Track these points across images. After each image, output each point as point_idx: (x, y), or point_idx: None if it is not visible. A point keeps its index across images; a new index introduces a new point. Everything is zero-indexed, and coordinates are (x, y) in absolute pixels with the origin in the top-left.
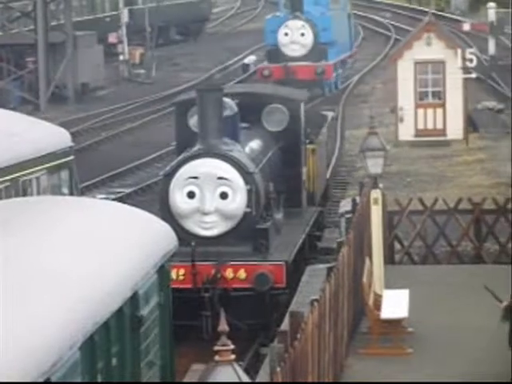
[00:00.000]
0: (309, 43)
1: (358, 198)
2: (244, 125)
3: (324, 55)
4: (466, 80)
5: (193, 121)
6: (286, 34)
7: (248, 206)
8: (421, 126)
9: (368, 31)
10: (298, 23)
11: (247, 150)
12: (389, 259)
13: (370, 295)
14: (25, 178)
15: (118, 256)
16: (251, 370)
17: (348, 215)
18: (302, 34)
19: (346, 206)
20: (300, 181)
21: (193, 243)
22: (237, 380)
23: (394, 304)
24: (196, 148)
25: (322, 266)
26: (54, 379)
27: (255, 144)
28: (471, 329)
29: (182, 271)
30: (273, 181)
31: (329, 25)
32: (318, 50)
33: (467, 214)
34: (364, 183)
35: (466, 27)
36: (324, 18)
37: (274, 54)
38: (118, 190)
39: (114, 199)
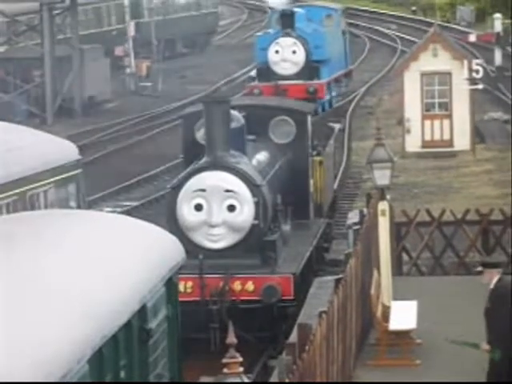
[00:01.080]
0: (300, 61)
1: (365, 210)
2: (251, 137)
3: (316, 73)
4: (472, 91)
5: (200, 133)
6: (277, 52)
7: (255, 218)
8: (428, 138)
9: (374, 43)
10: (290, 40)
11: (254, 162)
12: (397, 270)
13: (378, 307)
14: (32, 191)
15: (126, 269)
16: (260, 382)
17: (356, 227)
18: (294, 52)
19: (353, 217)
20: (307, 193)
21: (200, 256)
22: None
23: (402, 315)
24: (203, 161)
25: (329, 277)
26: None
27: (262, 156)
28: (480, 340)
29: (189, 284)
30: (280, 193)
31: (322, 42)
32: (310, 69)
33: (474, 224)
34: (371, 195)
35: (472, 38)
36: (316, 34)
37: (265, 72)
38: (126, 203)
39: (121, 212)
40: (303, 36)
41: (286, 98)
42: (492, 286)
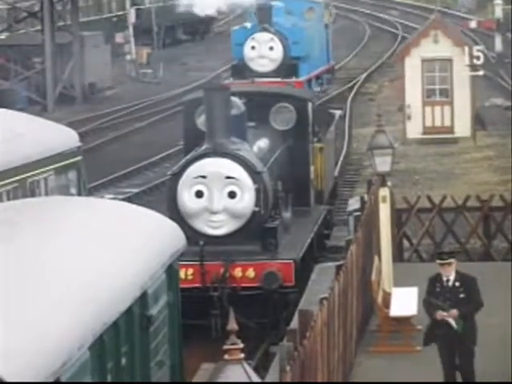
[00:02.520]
0: (278, 58)
1: (366, 196)
2: (251, 124)
3: (295, 71)
4: (473, 77)
5: (200, 120)
6: (253, 48)
7: (256, 205)
8: (428, 124)
9: (375, 29)
10: (266, 36)
11: (255, 149)
12: (397, 257)
13: (379, 293)
14: (33, 178)
15: (127, 256)
16: (261, 368)
17: (356, 213)
18: (271, 48)
19: (354, 204)
20: (308, 179)
21: (201, 242)
22: (246, 379)
23: (403, 302)
24: (204, 147)
25: (330, 264)
26: (63, 379)
27: (263, 143)
28: (480, 326)
29: (190, 270)
30: (281, 180)
31: (301, 37)
32: (288, 65)
33: (475, 211)
34: (372, 181)
35: (473, 24)
36: (295, 29)
37: (240, 69)
38: (126, 189)
39: (122, 199)
40: (281, 31)
41: None
42: (455, 275)
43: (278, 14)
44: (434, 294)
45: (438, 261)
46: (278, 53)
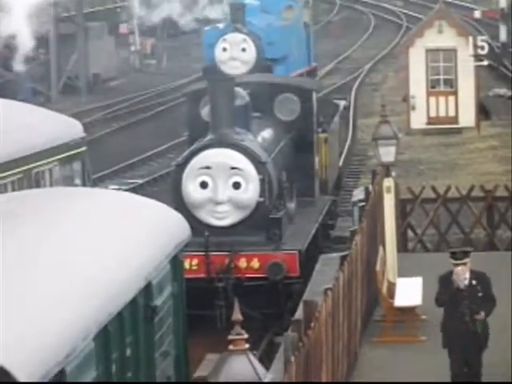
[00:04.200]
0: (251, 60)
1: (370, 187)
2: (256, 114)
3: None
4: (477, 67)
5: (205, 111)
6: (225, 50)
7: (261, 195)
8: (433, 114)
9: (379, 19)
10: (239, 37)
11: (259, 139)
12: (402, 247)
13: (384, 283)
14: (37, 169)
15: (131, 246)
16: (265, 359)
17: (361, 204)
18: (243, 50)
19: (358, 194)
20: (312, 170)
21: (206, 233)
22: (251, 369)
23: (408, 292)
24: (208, 138)
25: (335, 254)
26: (68, 369)
27: (267, 133)
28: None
29: (195, 261)
30: (285, 170)
31: (276, 38)
32: (262, 68)
33: (480, 201)
34: (376, 172)
35: (477, 15)
36: (270, 29)
37: (211, 71)
38: (131, 180)
39: (126, 190)
40: (255, 31)
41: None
42: (471, 274)
43: (253, 14)
44: (451, 295)
45: (453, 261)
46: (250, 54)
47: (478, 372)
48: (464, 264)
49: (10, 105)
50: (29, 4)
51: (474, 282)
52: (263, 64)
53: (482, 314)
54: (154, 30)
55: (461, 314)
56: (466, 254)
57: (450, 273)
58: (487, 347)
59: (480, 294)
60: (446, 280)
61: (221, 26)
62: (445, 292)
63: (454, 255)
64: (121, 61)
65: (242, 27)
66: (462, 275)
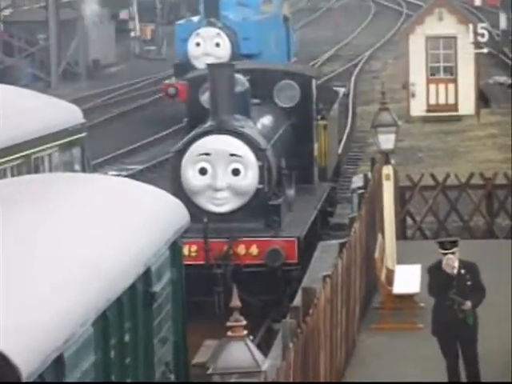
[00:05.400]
0: (225, 55)
1: (369, 174)
2: (255, 101)
3: None
4: (477, 55)
5: (204, 97)
6: (198, 44)
7: (260, 182)
8: (432, 102)
9: (379, 6)
10: (212, 31)
11: (259, 126)
12: (401, 234)
13: (382, 270)
14: (37, 155)
15: (131, 232)
16: (264, 345)
17: (360, 191)
18: (217, 44)
19: (357, 181)
20: (312, 157)
21: (205, 219)
22: (249, 356)
23: (406, 279)
24: (208, 124)
25: (334, 241)
26: (66, 355)
27: (267, 120)
28: (483, 303)
29: (194, 247)
30: (285, 157)
31: (252, 32)
32: None
33: (479, 189)
34: (376, 159)
35: (478, 2)
36: (246, 24)
37: (184, 67)
38: (130, 166)
39: (126, 176)
40: (230, 26)
41: None
42: (458, 262)
43: (229, 7)
44: (440, 283)
45: (442, 250)
46: (224, 50)
47: (475, 367)
48: (452, 253)
49: (10, 90)
50: None
51: (462, 272)
52: (238, 60)
53: (468, 303)
54: (154, 15)
55: (449, 302)
56: (454, 244)
57: (439, 262)
58: (477, 337)
59: (469, 283)
60: (435, 269)
61: (195, 19)
62: (435, 281)
63: (442, 245)
64: (121, 47)
65: (216, 21)
66: (451, 264)
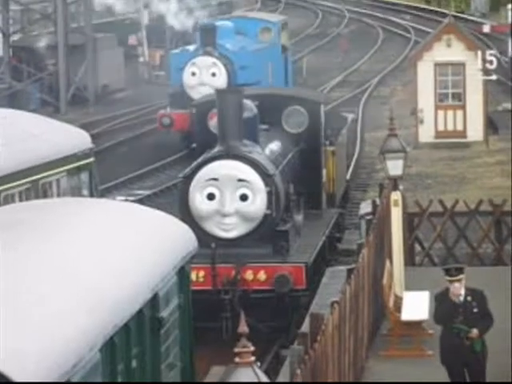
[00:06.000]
0: (222, 85)
1: (378, 200)
2: (264, 126)
3: None
4: (486, 82)
5: (212, 122)
6: (194, 74)
7: (268, 207)
8: (441, 128)
9: (388, 33)
10: (208, 60)
11: (267, 151)
12: (409, 261)
13: (391, 297)
14: (45, 180)
15: (138, 257)
16: (271, 371)
17: (368, 217)
18: (213, 74)
19: (366, 207)
20: (320, 182)
21: (213, 245)
22: (257, 381)
23: (415, 306)
24: (216, 150)
25: (342, 267)
26: (74, 380)
27: (275, 146)
28: (491, 330)
29: (201, 273)
30: (293, 182)
31: (250, 61)
32: None
33: (488, 215)
34: (384, 185)
35: (486, 29)
36: (243, 53)
37: (179, 97)
38: (138, 191)
39: (133, 201)
40: (226, 55)
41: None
42: (465, 290)
43: (226, 36)
44: (447, 311)
45: (448, 277)
46: (221, 79)
47: None
48: (458, 280)
49: (19, 115)
50: None
51: (468, 299)
52: None
53: (475, 331)
54: (163, 41)
55: (456, 330)
56: (460, 271)
57: (446, 290)
58: (485, 366)
59: (475, 310)
60: (442, 297)
61: (190, 48)
62: (441, 309)
63: (448, 272)
64: (129, 72)
65: (213, 50)
66: (457, 292)
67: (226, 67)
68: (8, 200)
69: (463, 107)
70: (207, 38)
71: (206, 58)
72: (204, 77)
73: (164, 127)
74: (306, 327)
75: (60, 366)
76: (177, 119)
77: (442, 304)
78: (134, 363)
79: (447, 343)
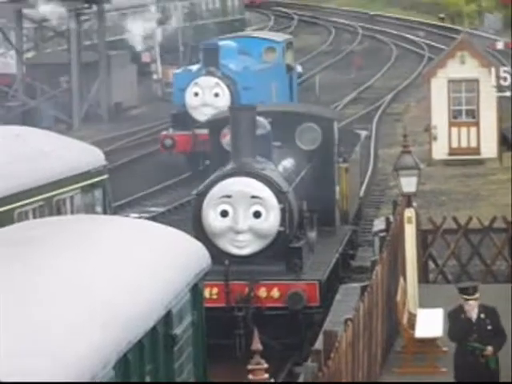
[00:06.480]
0: (224, 106)
1: (391, 217)
2: (277, 143)
3: None
4: (500, 98)
5: (226, 139)
6: (196, 94)
7: (281, 224)
8: (455, 145)
9: (401, 49)
10: (211, 80)
11: (280, 168)
12: (423, 278)
13: (404, 314)
14: (59, 197)
15: (152, 274)
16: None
17: (382, 234)
18: (216, 95)
19: (379, 224)
20: (333, 199)
21: (226, 262)
22: None
23: (428, 323)
24: (229, 167)
25: (355, 284)
26: None
27: (288, 163)
28: (505, 348)
29: (215, 290)
30: (306, 199)
31: (253, 82)
32: None
33: (501, 232)
34: (398, 202)
35: (500, 46)
36: (246, 73)
37: (181, 118)
38: (152, 208)
39: (147, 218)
40: (229, 75)
41: (205, 150)
42: (479, 307)
43: (229, 55)
44: (460, 329)
45: (465, 296)
46: (224, 100)
47: None
48: (475, 299)
49: (32, 132)
50: None
51: (482, 316)
52: None
53: (490, 348)
54: (176, 58)
55: (470, 348)
56: (475, 289)
57: (459, 307)
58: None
59: (489, 328)
60: (455, 314)
61: (193, 68)
62: (455, 327)
63: (465, 291)
64: (143, 89)
65: (216, 70)
66: (473, 310)
67: (229, 87)
68: (22, 217)
69: (477, 124)
70: (210, 57)
71: (209, 78)
72: (207, 97)
73: (166, 149)
74: (319, 344)
75: (74, 382)
76: (179, 140)
77: (456, 322)
78: (147, 380)
79: (462, 361)
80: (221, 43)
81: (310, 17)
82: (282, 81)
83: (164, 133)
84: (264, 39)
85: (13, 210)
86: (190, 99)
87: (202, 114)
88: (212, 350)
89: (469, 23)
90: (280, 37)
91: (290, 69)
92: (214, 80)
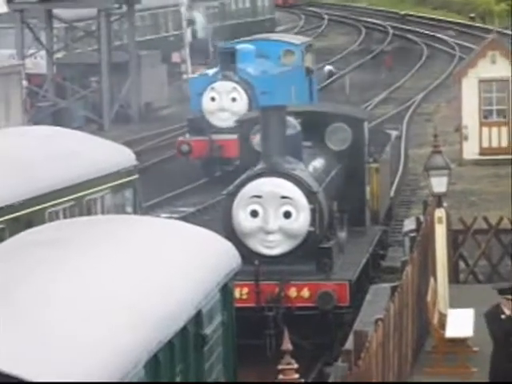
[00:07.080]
0: (241, 110)
1: (422, 217)
2: (307, 143)
3: None
4: None
5: (256, 140)
6: (213, 99)
7: (311, 225)
8: (485, 145)
9: (432, 49)
10: (228, 85)
11: (310, 168)
12: (453, 278)
13: (435, 314)
14: (89, 197)
15: (182, 275)
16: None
17: (412, 234)
18: (234, 99)
19: (409, 224)
20: (363, 200)
21: (256, 262)
22: None
23: (459, 323)
24: (259, 167)
25: (385, 285)
26: None
27: (318, 163)
28: None
29: (245, 290)
30: (336, 200)
31: (271, 86)
32: None
33: None
34: (428, 202)
35: None
36: (264, 77)
37: (198, 123)
38: (182, 208)
39: (177, 218)
40: (247, 79)
41: (221, 156)
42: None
43: (247, 59)
44: (500, 328)
45: (507, 296)
46: (241, 105)
47: None
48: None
49: (63, 133)
50: None
51: None
52: None
53: None
54: (207, 57)
55: (508, 350)
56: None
57: (496, 307)
58: None
59: None
60: (493, 315)
61: (210, 72)
62: (497, 326)
63: (505, 291)
64: (173, 89)
65: (233, 75)
66: (509, 310)
67: (246, 92)
68: (53, 217)
69: (508, 124)
70: (227, 61)
71: (226, 82)
72: (224, 102)
73: (182, 154)
74: (349, 344)
75: (105, 379)
76: (195, 146)
77: (495, 321)
78: (177, 380)
79: (501, 362)
80: (238, 47)
81: (340, 16)
82: (301, 84)
83: (181, 138)
84: (282, 42)
85: (44, 210)
86: (206, 104)
87: (219, 119)
88: (242, 350)
89: (499, 22)
90: (299, 39)
91: (309, 72)
92: (231, 84)
